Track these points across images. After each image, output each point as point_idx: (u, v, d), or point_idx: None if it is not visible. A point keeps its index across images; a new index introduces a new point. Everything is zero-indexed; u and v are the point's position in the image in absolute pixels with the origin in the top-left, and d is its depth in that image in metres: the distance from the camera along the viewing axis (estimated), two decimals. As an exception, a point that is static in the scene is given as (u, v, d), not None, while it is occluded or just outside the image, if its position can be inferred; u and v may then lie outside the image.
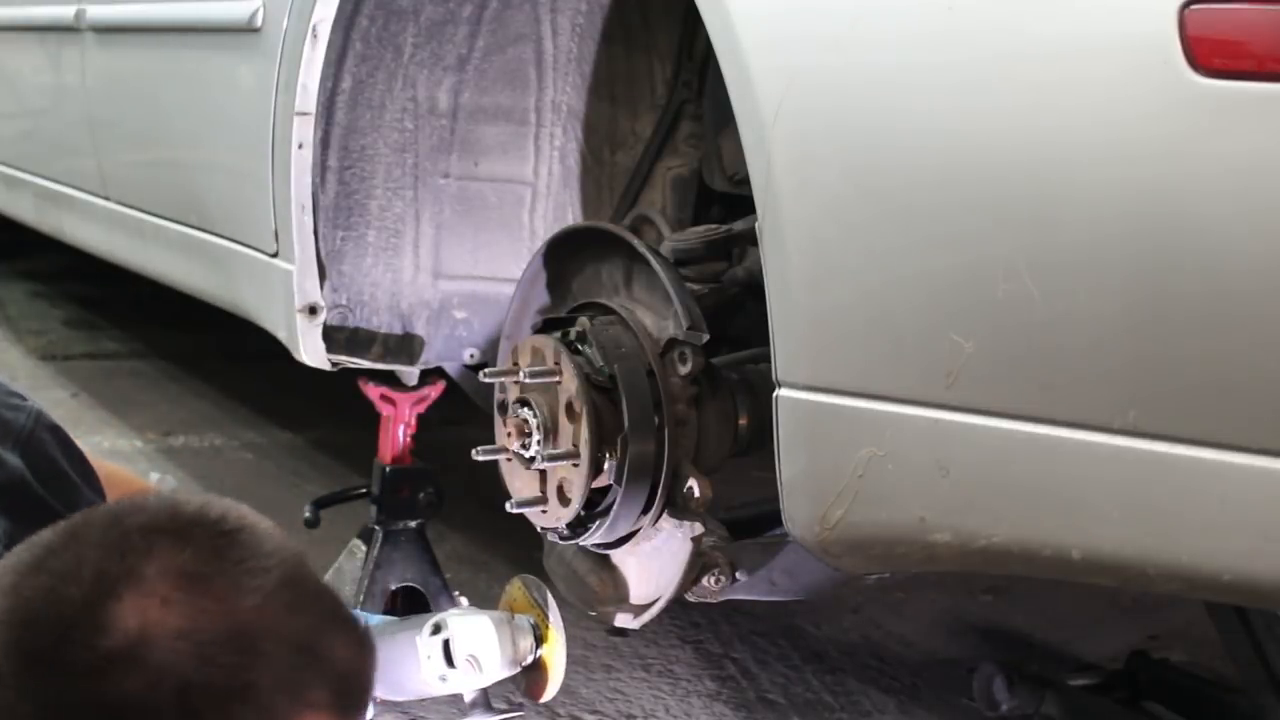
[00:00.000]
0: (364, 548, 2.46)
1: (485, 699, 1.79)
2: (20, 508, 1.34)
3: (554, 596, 1.76)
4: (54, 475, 1.41)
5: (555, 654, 1.71)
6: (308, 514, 2.45)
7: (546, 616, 1.71)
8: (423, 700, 2.26)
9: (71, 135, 3.36)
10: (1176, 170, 1.26)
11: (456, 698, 1.93)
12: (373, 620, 1.76)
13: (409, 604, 2.41)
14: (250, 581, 1.10)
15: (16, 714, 1.06)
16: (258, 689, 1.08)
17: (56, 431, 1.45)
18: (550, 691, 1.73)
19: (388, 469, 2.46)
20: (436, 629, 1.66)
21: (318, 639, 1.13)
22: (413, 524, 2.46)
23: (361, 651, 1.18)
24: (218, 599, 1.08)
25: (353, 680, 1.16)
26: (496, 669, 1.69)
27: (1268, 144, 1.21)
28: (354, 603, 2.35)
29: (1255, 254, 1.23)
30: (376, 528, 2.44)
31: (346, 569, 2.45)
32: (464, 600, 2.04)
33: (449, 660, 1.66)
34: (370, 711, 1.36)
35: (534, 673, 1.72)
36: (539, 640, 1.70)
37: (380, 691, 1.63)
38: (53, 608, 1.06)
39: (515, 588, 1.77)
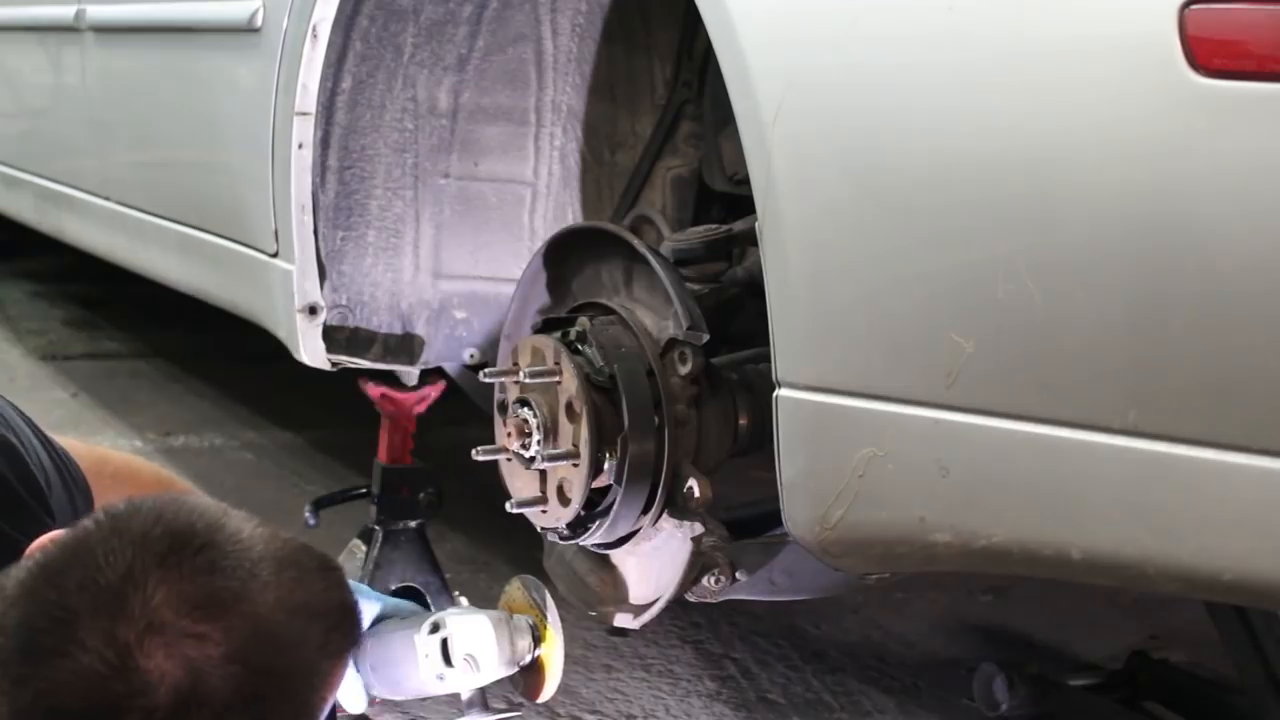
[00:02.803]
0: (364, 548, 2.45)
1: (483, 699, 1.78)
2: None
3: (554, 597, 1.76)
4: (7, 500, 1.40)
5: (553, 654, 1.70)
6: (308, 514, 2.45)
7: (545, 617, 1.71)
8: (422, 700, 2.26)
9: (71, 135, 3.36)
10: (1176, 170, 1.26)
11: (455, 698, 1.93)
12: (377, 603, 1.76)
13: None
14: (255, 582, 1.13)
15: None
16: (306, 663, 1.14)
17: (9, 452, 1.44)
18: (548, 692, 1.73)
19: (387, 468, 2.46)
20: (435, 628, 1.66)
21: (325, 598, 1.18)
22: (413, 524, 2.46)
23: (343, 582, 1.24)
24: (240, 611, 1.11)
25: (352, 614, 1.23)
26: (494, 669, 1.69)
27: (1268, 144, 1.21)
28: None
29: (1255, 254, 1.23)
30: (376, 528, 2.44)
31: (347, 569, 2.44)
32: (464, 600, 2.03)
33: (446, 659, 1.66)
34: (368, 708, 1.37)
35: (531, 673, 1.72)
36: (537, 640, 1.70)
37: (378, 690, 1.64)
38: (91, 690, 1.07)
39: (514, 588, 1.77)
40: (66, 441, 1.63)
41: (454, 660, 1.65)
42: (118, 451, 1.72)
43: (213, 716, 1.08)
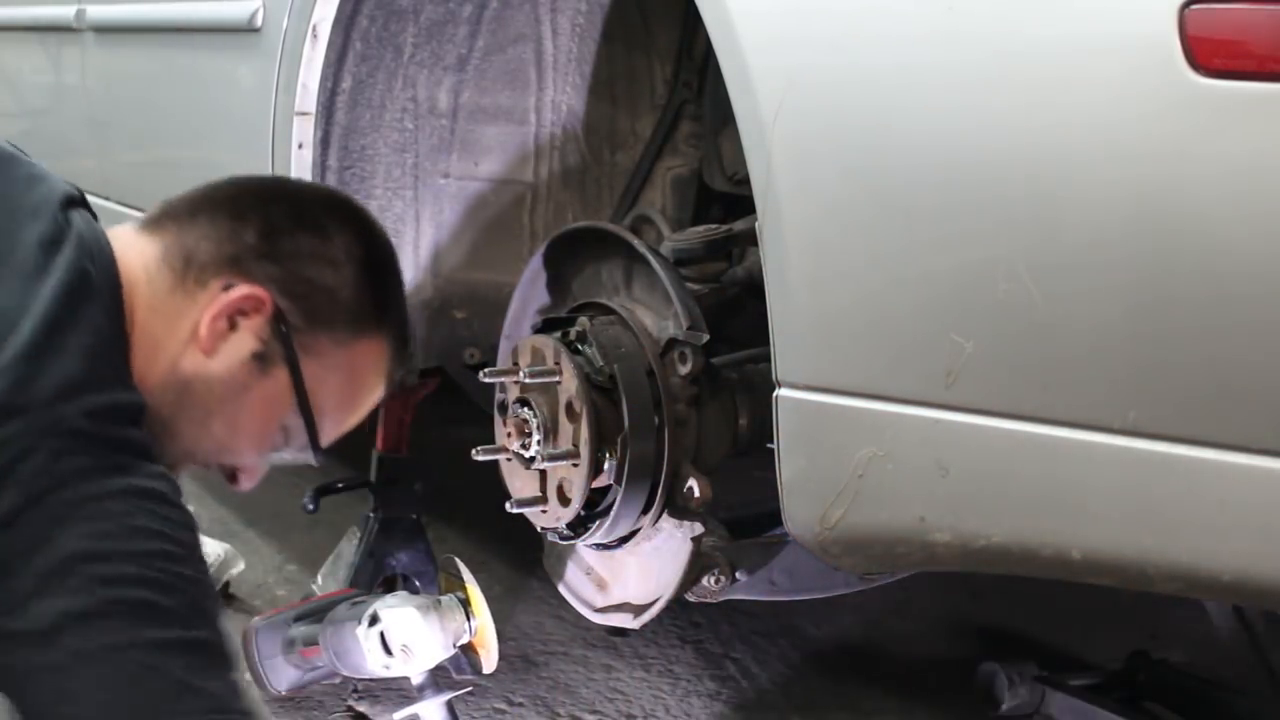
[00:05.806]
0: (359, 535, 2.49)
1: (433, 680, 1.78)
2: None
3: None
4: None
5: (486, 625, 1.71)
6: (307, 500, 2.47)
7: (469, 590, 1.72)
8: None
9: (72, 135, 3.35)
10: (1176, 170, 1.26)
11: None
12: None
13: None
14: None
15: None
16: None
17: None
18: (491, 663, 1.73)
19: (384, 458, 2.48)
20: (373, 620, 1.67)
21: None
22: (410, 515, 2.48)
23: None
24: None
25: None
26: (433, 653, 1.70)
27: (1268, 144, 1.21)
28: (346, 584, 2.39)
29: (1255, 254, 1.23)
30: (372, 515, 2.47)
31: (345, 554, 2.49)
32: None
33: (387, 650, 1.67)
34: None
35: (472, 649, 1.73)
36: (469, 616, 1.71)
37: (345, 671, 1.67)
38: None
39: (440, 577, 1.80)
40: None
41: (393, 650, 1.67)
42: None
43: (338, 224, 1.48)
